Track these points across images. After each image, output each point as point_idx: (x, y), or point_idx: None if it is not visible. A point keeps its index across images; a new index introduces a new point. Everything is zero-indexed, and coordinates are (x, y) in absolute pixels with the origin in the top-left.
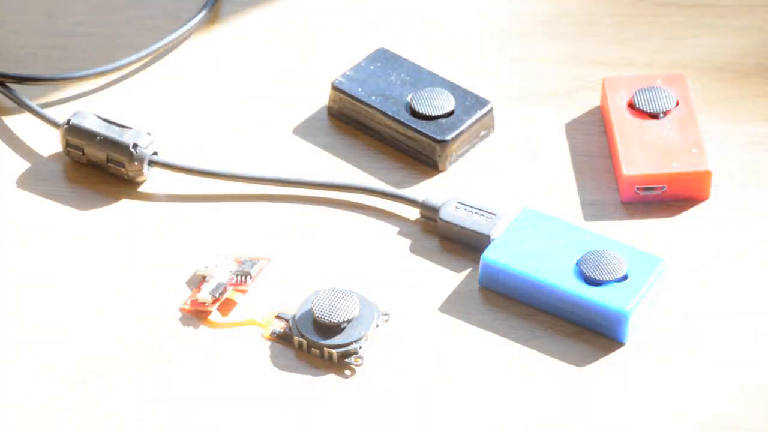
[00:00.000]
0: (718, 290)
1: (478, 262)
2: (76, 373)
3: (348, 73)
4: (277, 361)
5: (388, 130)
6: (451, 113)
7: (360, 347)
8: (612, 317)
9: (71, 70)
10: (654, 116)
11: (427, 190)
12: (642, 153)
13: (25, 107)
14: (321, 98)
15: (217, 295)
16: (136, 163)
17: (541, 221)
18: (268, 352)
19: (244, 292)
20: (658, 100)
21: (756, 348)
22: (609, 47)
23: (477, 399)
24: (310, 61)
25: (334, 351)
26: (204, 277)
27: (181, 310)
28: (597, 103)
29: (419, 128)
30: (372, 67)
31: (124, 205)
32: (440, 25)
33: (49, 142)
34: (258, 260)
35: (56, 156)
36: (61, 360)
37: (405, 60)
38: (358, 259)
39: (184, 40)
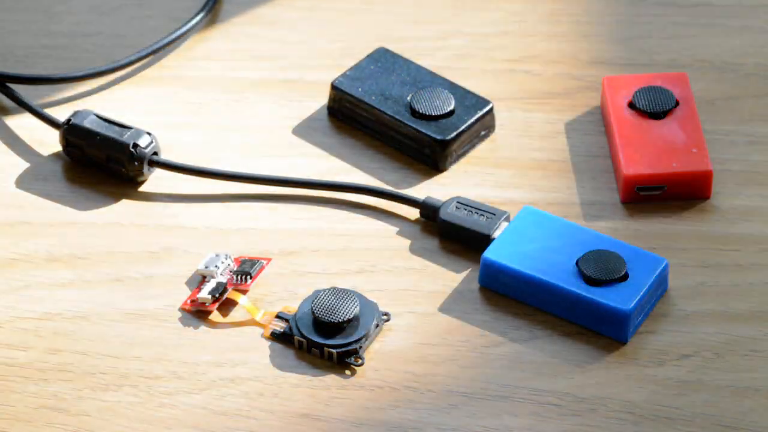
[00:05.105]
0: (718, 290)
1: (478, 262)
2: (75, 372)
3: (348, 73)
4: (277, 361)
5: (388, 130)
6: (451, 113)
7: (360, 347)
8: (612, 317)
9: (71, 70)
10: (654, 116)
11: (427, 190)
12: (642, 153)
13: (25, 107)
14: (321, 98)
15: (217, 295)
16: (136, 163)
17: (541, 221)
18: (268, 352)
19: (244, 292)
20: (658, 100)
21: (756, 348)
22: (609, 47)
23: (477, 399)
24: (310, 60)
25: (334, 351)
26: (204, 277)
27: (181, 309)
28: (597, 103)
29: (419, 128)
30: (372, 67)
31: (124, 205)
32: (440, 25)
33: (49, 142)
34: (258, 260)
35: (56, 156)
36: (60, 360)
37: (405, 60)
38: (358, 259)
39: (184, 40)
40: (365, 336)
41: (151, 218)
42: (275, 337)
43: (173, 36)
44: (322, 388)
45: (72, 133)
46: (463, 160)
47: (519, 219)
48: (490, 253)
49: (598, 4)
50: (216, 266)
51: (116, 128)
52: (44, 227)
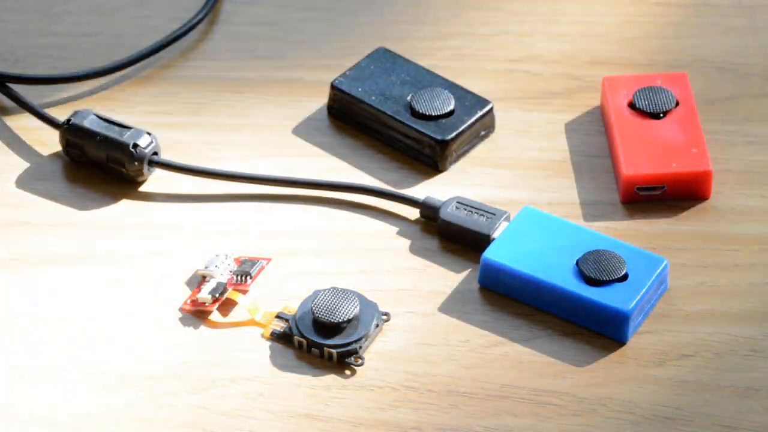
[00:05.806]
0: (718, 290)
1: (478, 262)
2: (76, 372)
3: (348, 73)
4: (277, 361)
5: (388, 130)
6: (451, 113)
7: (360, 347)
8: (612, 317)
9: (71, 70)
10: (654, 116)
11: (427, 190)
12: (642, 153)
13: (25, 107)
14: (321, 98)
15: (217, 295)
16: (136, 163)
17: (541, 221)
18: (268, 352)
19: (244, 292)
20: (658, 100)
21: (756, 348)
22: (609, 47)
23: (477, 399)
24: (310, 60)
25: (334, 351)
26: (204, 277)
27: (181, 309)
28: (597, 103)
29: (419, 128)
30: (372, 67)
31: (124, 205)
32: (440, 25)
33: (49, 142)
34: (258, 260)
35: (56, 156)
36: (60, 359)
37: (405, 60)
38: (358, 259)
39: (184, 40)
40: (365, 336)
41: (151, 218)
42: (275, 337)
43: (173, 36)
44: (322, 388)
45: (72, 133)
46: (463, 160)
47: (519, 219)
48: (490, 253)
49: (598, 4)
50: (216, 266)
51: (116, 128)
52: (44, 227)
